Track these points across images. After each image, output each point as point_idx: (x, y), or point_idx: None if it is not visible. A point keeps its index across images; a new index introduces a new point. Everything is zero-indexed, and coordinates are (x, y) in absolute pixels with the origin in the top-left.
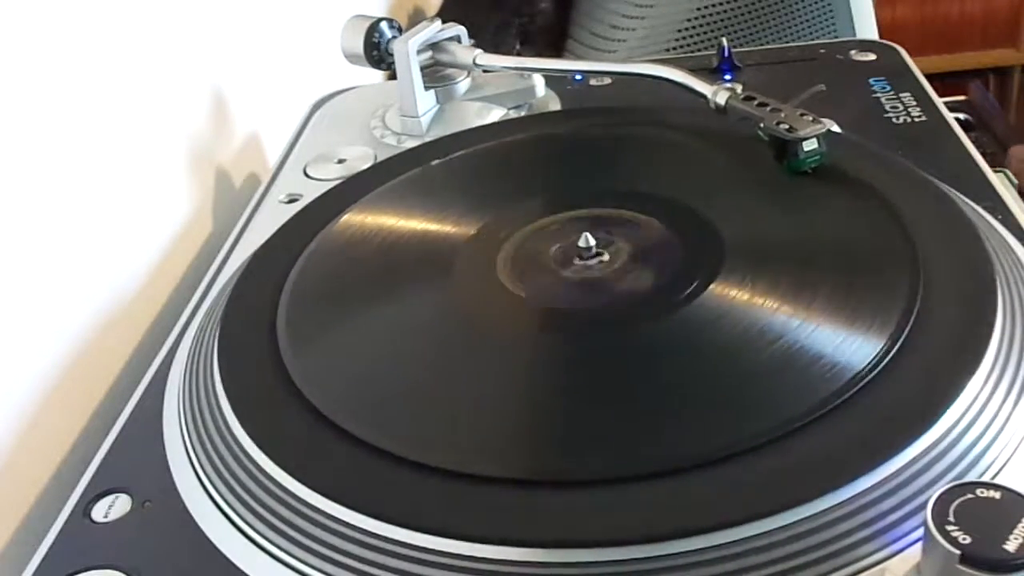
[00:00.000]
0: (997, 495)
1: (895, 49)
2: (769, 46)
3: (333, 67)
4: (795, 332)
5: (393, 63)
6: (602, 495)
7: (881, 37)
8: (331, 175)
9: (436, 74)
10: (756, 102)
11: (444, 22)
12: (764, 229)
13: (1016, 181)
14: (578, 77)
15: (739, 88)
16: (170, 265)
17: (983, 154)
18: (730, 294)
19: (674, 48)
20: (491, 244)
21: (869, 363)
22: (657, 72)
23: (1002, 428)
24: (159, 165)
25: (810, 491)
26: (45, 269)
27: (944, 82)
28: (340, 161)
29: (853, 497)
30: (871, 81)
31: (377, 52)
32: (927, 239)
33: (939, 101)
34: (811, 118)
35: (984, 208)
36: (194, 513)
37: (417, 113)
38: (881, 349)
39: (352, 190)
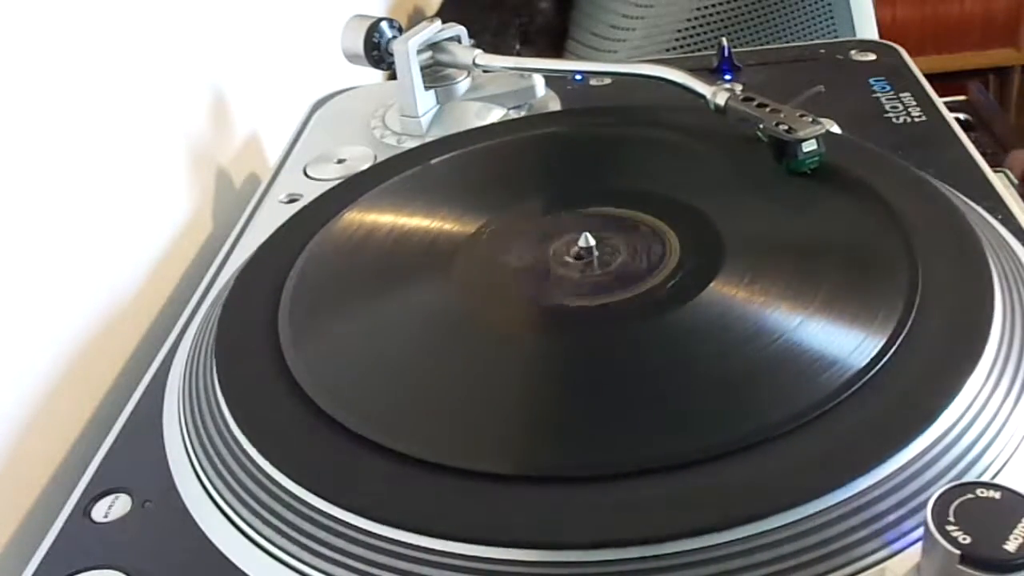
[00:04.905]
0: (997, 495)
1: (895, 49)
2: (769, 46)
3: (333, 67)
4: (794, 331)
5: (393, 63)
6: (601, 494)
7: (881, 37)
8: (331, 175)
9: (436, 74)
10: (755, 103)
11: (444, 22)
12: (763, 228)
13: (1016, 181)
14: (578, 77)
15: (738, 89)
16: (170, 265)
17: (983, 154)
18: (729, 293)
19: (674, 48)
20: (491, 243)
21: (868, 362)
22: (657, 72)
23: (1002, 428)
24: (159, 165)
25: (810, 491)
26: (45, 269)
27: (944, 82)
28: (340, 161)
29: (853, 497)
30: (871, 81)
31: (377, 52)
32: (926, 239)
33: (939, 101)
34: (810, 119)
35: (984, 208)
36: (194, 513)
37: (417, 113)
38: (880, 349)
39: (352, 190)
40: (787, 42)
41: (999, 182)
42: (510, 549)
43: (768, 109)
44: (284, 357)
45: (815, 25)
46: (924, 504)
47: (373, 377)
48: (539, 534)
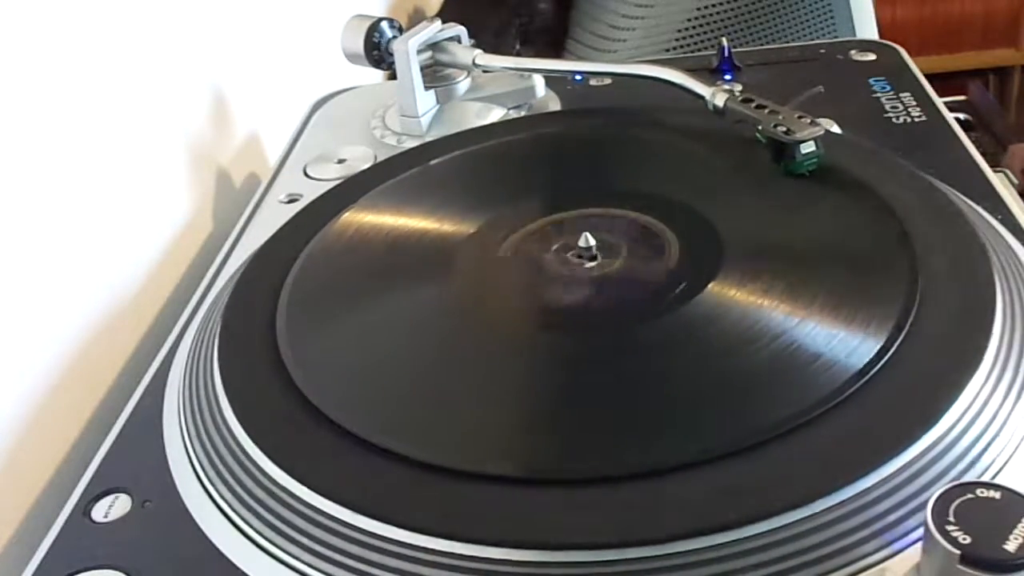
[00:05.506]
0: (997, 495)
1: (895, 49)
2: (769, 46)
3: (333, 67)
4: (794, 332)
5: (393, 63)
6: (601, 495)
7: (881, 37)
8: (331, 175)
9: (436, 74)
10: (754, 104)
11: (444, 22)
12: (763, 229)
13: (1016, 181)
14: (578, 77)
15: (737, 89)
16: (170, 265)
17: (983, 154)
18: (729, 293)
19: (674, 48)
20: (491, 244)
21: (868, 363)
22: (656, 73)
23: (1002, 428)
24: (159, 165)
25: (810, 491)
26: (45, 269)
27: (944, 82)
28: (340, 161)
29: (853, 497)
30: (871, 81)
31: (377, 52)
32: (926, 239)
33: (939, 101)
34: (809, 120)
35: (984, 208)
36: (194, 513)
37: (417, 113)
38: (880, 349)
39: (352, 190)
40: (787, 42)
41: (999, 182)
42: (510, 549)
43: (767, 110)
44: (285, 357)
45: (815, 25)
46: (924, 504)
47: (373, 378)
48: (539, 534)
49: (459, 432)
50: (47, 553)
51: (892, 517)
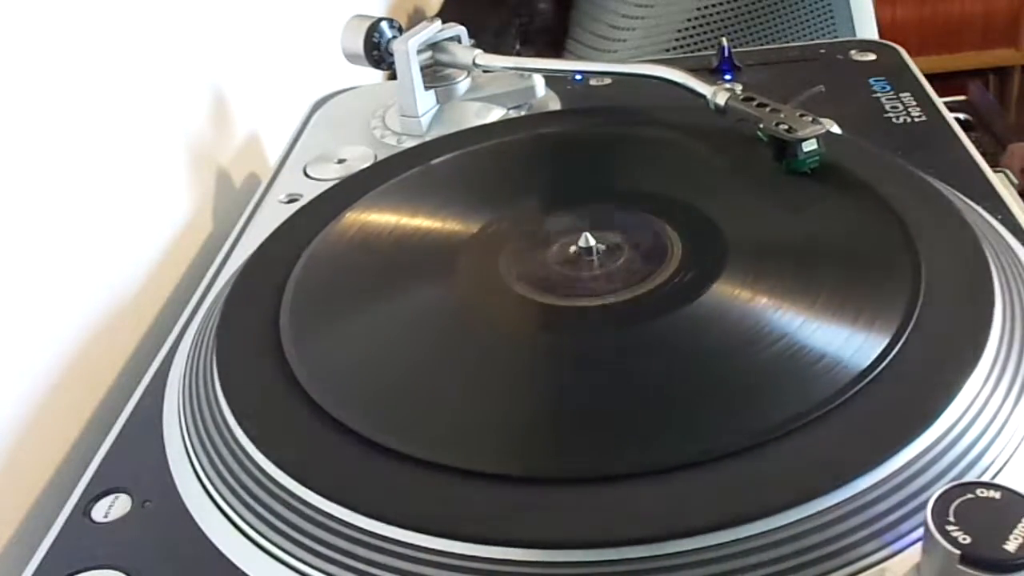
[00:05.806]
0: (997, 495)
1: (895, 49)
2: (769, 46)
3: (333, 67)
4: (796, 332)
5: (393, 63)
6: (601, 494)
7: (881, 37)
8: (331, 175)
9: (436, 74)
10: (755, 102)
11: (444, 22)
12: (765, 229)
13: (1016, 180)
14: (578, 77)
15: (738, 88)
16: (170, 265)
17: (983, 154)
18: (732, 293)
19: (674, 48)
20: (492, 243)
21: (869, 363)
22: (657, 72)
23: (1002, 428)
24: (159, 165)
25: (810, 491)
26: (45, 269)
27: (944, 82)
28: (340, 161)
29: (853, 497)
30: (871, 81)
31: (377, 52)
32: (926, 240)
33: (939, 101)
34: (810, 119)
35: (984, 208)
36: (194, 513)
37: (417, 113)
38: (881, 349)
39: (352, 190)
40: (787, 42)
41: (999, 182)
42: (510, 549)
43: (768, 109)
44: (285, 356)
45: (815, 25)
46: (924, 504)
47: (373, 377)
48: (539, 534)
49: (460, 431)
50: (47, 553)
51: (892, 517)
